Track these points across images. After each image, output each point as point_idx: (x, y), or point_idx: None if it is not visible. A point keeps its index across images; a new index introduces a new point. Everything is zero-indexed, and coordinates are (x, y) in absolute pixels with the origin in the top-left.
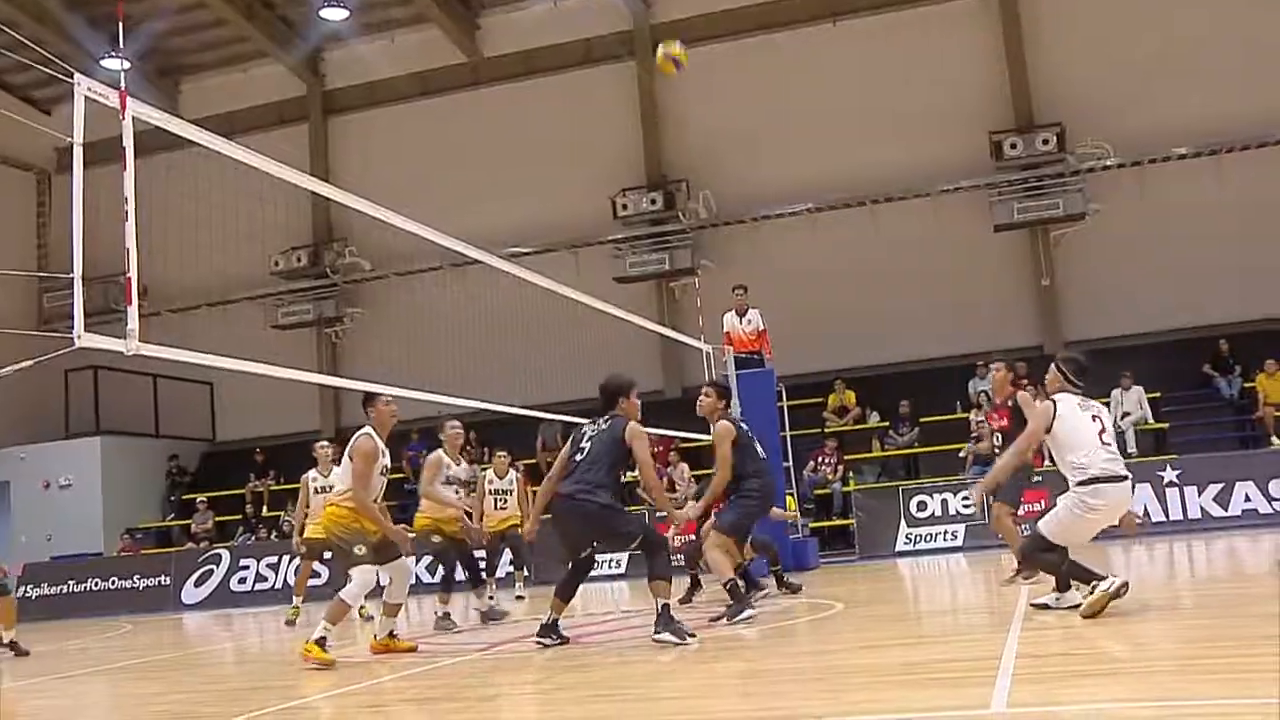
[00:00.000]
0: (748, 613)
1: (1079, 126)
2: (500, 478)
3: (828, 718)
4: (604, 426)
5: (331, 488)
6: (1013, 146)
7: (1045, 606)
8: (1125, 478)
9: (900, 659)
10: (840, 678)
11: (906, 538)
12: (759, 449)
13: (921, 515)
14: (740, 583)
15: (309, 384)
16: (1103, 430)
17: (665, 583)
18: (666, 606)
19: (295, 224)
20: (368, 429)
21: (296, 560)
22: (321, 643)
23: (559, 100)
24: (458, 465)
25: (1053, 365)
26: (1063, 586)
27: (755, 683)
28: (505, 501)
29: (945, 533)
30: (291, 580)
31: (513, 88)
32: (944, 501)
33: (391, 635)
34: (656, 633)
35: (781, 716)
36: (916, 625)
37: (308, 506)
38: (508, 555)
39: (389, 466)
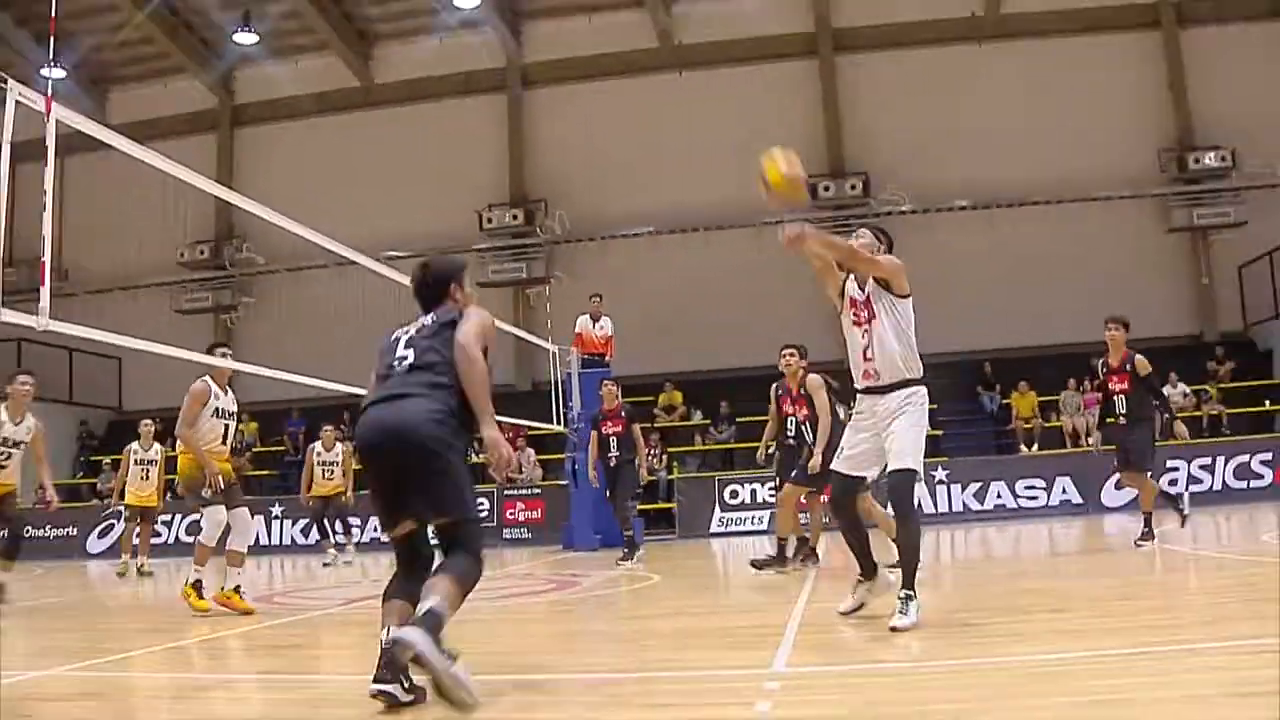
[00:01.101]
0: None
1: (881, 174)
2: (327, 450)
3: (631, 672)
4: (429, 323)
5: (153, 461)
6: (825, 189)
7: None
8: None
9: (702, 625)
10: (648, 639)
11: (720, 521)
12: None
13: (734, 502)
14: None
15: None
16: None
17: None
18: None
19: (201, 221)
20: (204, 376)
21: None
22: (197, 586)
23: (438, 124)
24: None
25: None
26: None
27: (575, 641)
28: (331, 472)
29: (754, 517)
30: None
31: (399, 111)
32: (754, 490)
33: (237, 590)
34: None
35: (594, 670)
36: (720, 596)
37: (127, 474)
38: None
39: (226, 410)
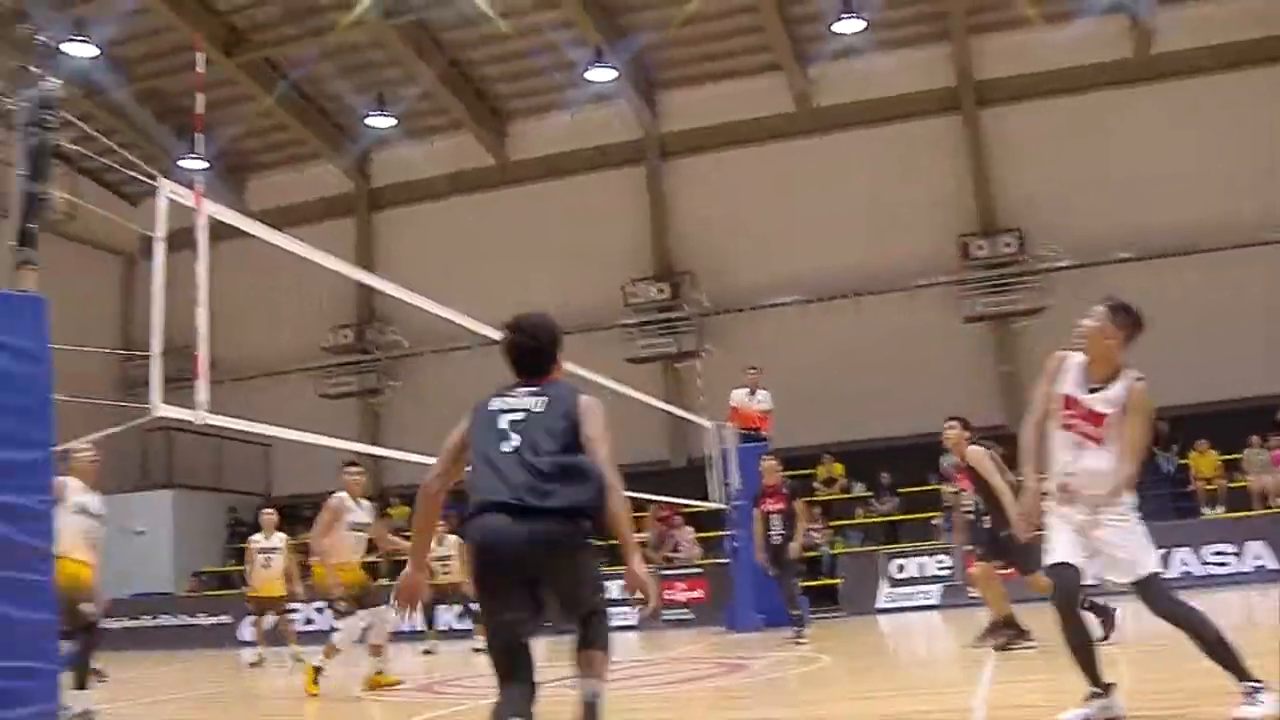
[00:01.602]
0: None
1: (1036, 230)
2: (438, 544)
3: None
4: (541, 398)
5: (274, 549)
6: (979, 248)
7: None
8: None
9: (883, 710)
10: None
11: (887, 596)
12: None
13: (900, 576)
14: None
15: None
16: None
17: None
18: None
19: (342, 305)
20: (340, 492)
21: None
22: (317, 670)
23: (576, 199)
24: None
25: None
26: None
27: None
28: (448, 567)
29: (923, 593)
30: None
31: (536, 188)
32: (921, 564)
33: (379, 673)
34: None
35: None
36: (896, 678)
37: (252, 566)
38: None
39: (360, 523)
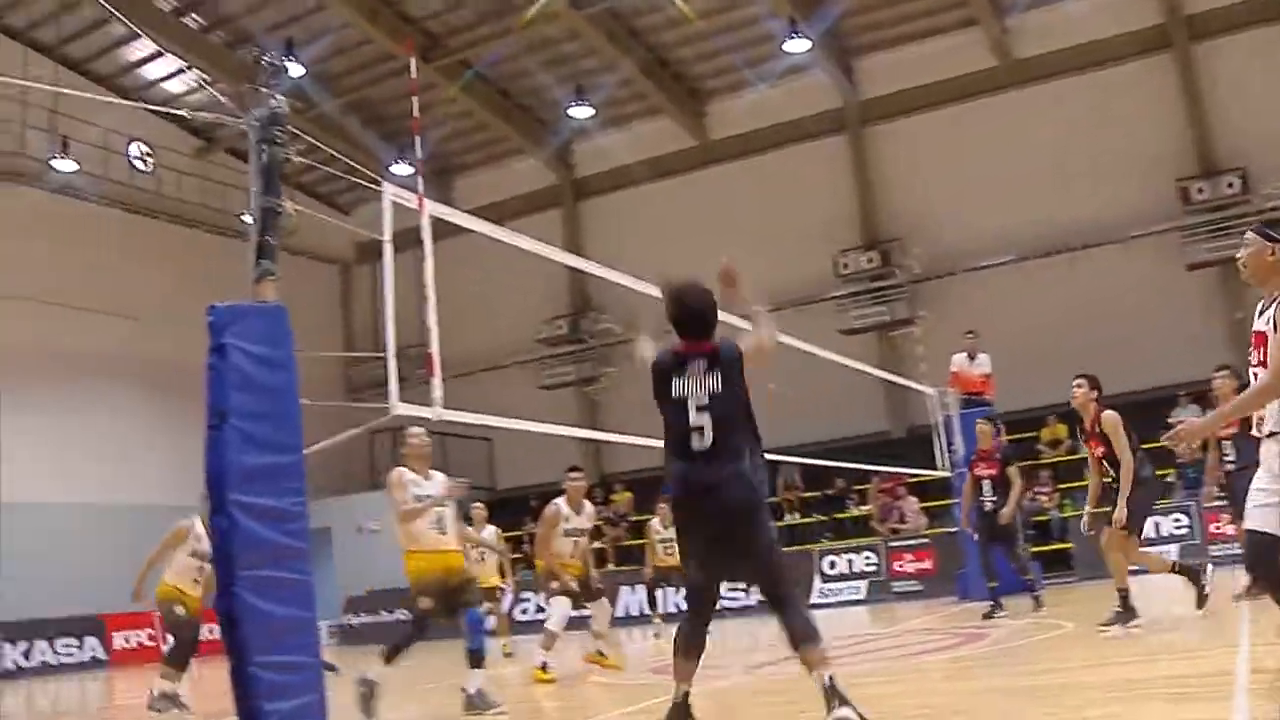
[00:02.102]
0: (1135, 621)
1: (1262, 169)
2: (665, 528)
3: None
4: (704, 362)
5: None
6: (1199, 191)
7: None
8: None
9: (1138, 675)
10: (1081, 693)
11: None
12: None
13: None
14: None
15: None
16: None
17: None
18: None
19: (555, 297)
20: (558, 499)
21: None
22: (544, 667)
23: (781, 173)
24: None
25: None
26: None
27: (1001, 699)
28: (670, 548)
29: (1165, 552)
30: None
31: (738, 165)
32: (1157, 523)
33: (600, 653)
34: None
35: None
36: (1142, 643)
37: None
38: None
39: (578, 529)
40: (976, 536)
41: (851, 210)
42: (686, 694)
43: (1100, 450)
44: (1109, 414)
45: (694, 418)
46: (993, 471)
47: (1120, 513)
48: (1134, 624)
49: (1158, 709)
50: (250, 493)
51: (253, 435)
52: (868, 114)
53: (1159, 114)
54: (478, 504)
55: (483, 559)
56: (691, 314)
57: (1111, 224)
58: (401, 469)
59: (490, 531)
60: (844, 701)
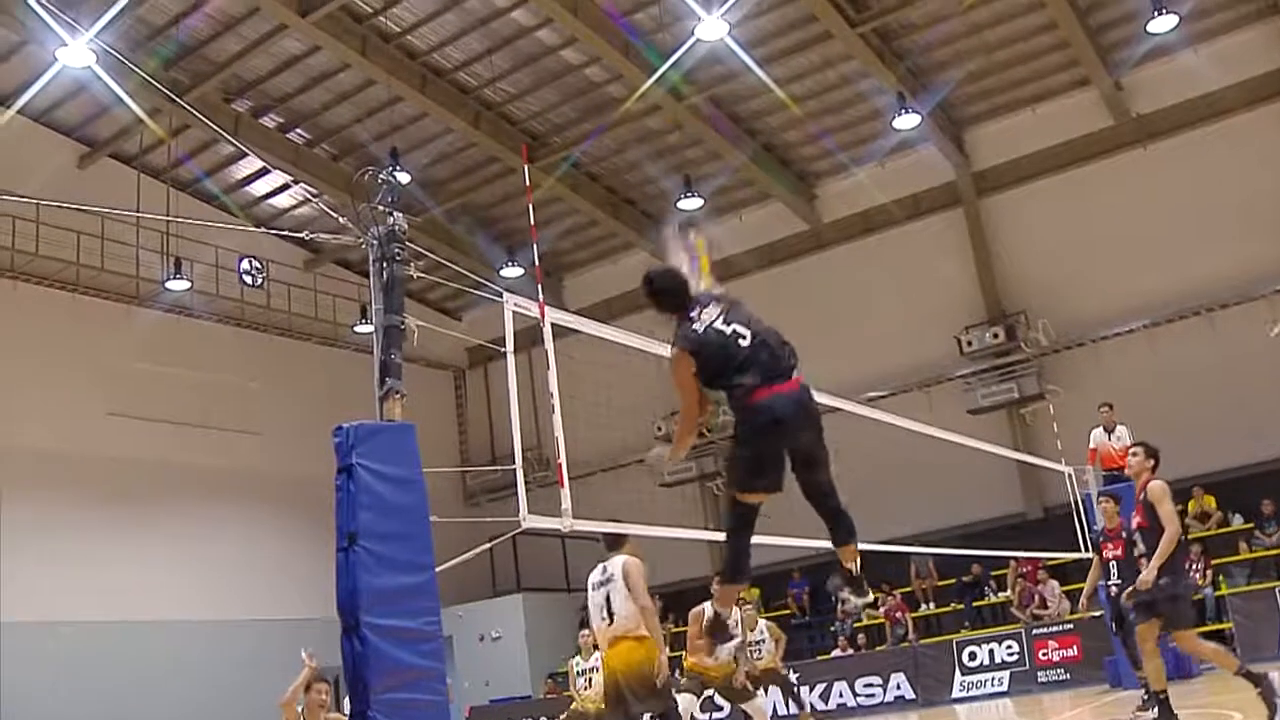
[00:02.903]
0: None
1: None
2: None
3: None
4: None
5: (593, 669)
6: None
7: None
8: None
9: None
10: None
11: None
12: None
13: None
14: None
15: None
16: None
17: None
18: None
19: (669, 392)
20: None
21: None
22: None
23: (896, 252)
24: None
25: None
26: None
27: None
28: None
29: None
30: None
31: (852, 247)
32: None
33: None
34: None
35: None
36: None
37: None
38: None
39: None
40: (1114, 625)
41: (972, 286)
42: None
43: (1136, 520)
44: (1155, 484)
45: (725, 328)
46: (1119, 553)
47: (1146, 577)
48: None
49: None
50: (383, 614)
51: (384, 556)
52: (983, 185)
53: None
54: (585, 632)
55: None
56: (668, 290)
57: (1249, 280)
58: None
59: (596, 659)
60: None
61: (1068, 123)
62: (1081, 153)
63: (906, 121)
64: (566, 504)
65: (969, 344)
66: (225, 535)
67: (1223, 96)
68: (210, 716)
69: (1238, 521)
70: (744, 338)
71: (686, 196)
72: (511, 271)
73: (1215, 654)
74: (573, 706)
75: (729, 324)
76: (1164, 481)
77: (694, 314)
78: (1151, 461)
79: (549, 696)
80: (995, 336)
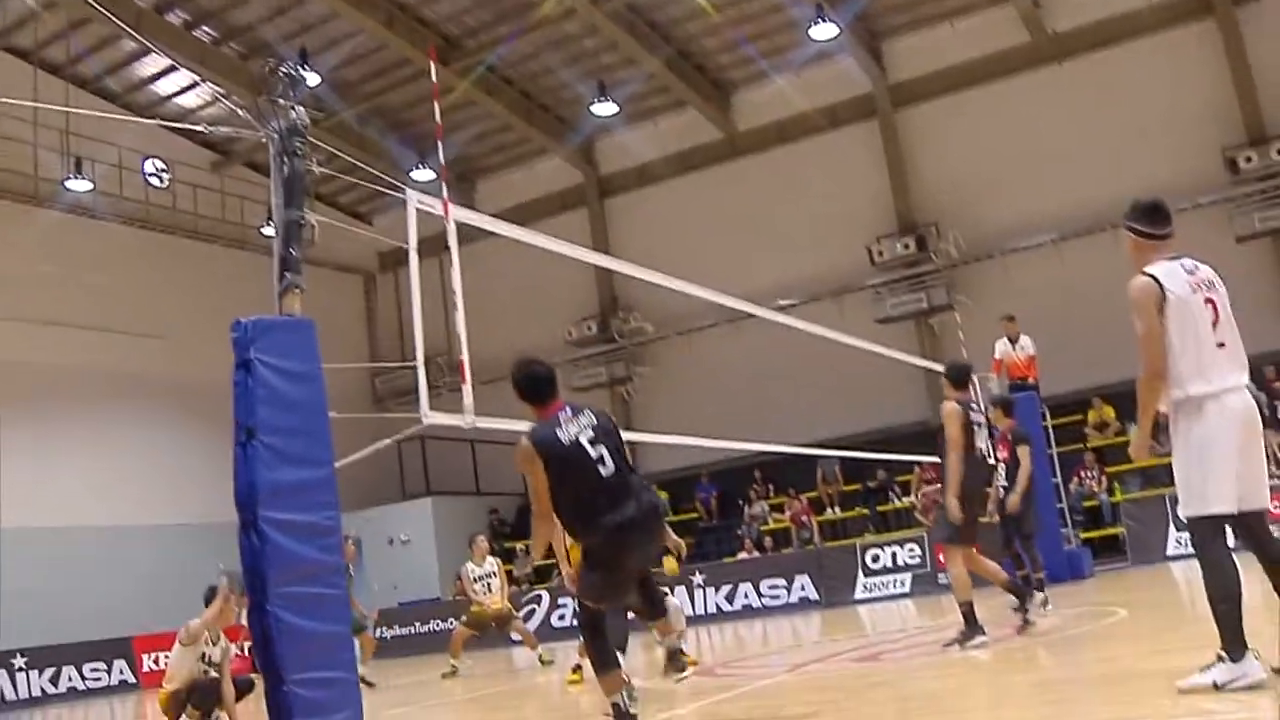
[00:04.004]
0: (979, 639)
1: None
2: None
3: None
4: (591, 419)
5: (491, 575)
6: (1248, 160)
7: None
8: None
9: (1195, 662)
10: (1140, 682)
11: (1177, 541)
12: (984, 445)
13: None
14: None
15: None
16: None
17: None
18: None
19: (583, 298)
20: None
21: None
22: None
23: (811, 162)
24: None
25: None
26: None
27: (1054, 690)
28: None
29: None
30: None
31: (767, 156)
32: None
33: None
34: None
35: None
36: (1202, 629)
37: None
38: None
39: None
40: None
41: (885, 197)
42: None
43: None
44: (946, 404)
45: (592, 451)
46: (1005, 455)
47: (952, 509)
48: (977, 641)
49: (1227, 696)
50: (282, 509)
51: (282, 451)
52: (898, 97)
53: (1201, 82)
54: (480, 536)
55: (489, 590)
56: (534, 379)
57: (1157, 196)
58: None
59: (491, 564)
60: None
61: (985, 38)
62: (997, 68)
63: (824, 31)
64: (469, 401)
65: (880, 254)
66: (127, 440)
67: (1139, 16)
68: (111, 621)
69: (1134, 431)
70: (604, 464)
71: (600, 101)
72: (423, 175)
73: (984, 572)
74: (472, 609)
75: (594, 445)
76: (957, 405)
77: (561, 416)
78: (958, 391)
79: (458, 599)
80: (906, 247)
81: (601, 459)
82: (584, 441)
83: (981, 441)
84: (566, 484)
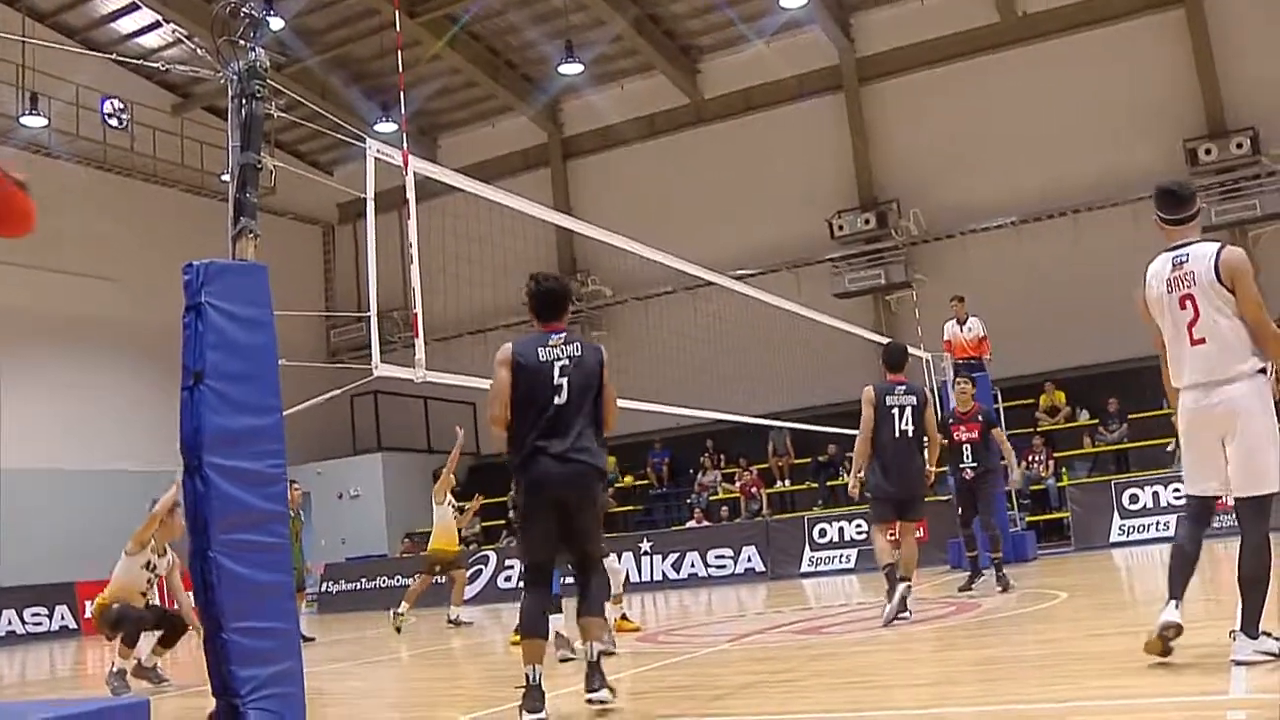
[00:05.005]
0: (888, 610)
1: (1273, 129)
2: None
3: (1069, 701)
4: (576, 351)
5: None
6: (1207, 152)
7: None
8: None
9: (1129, 646)
10: (1075, 664)
11: (1121, 529)
12: (898, 425)
13: (1134, 507)
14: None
15: None
16: None
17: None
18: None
19: (542, 259)
20: None
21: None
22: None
23: (775, 132)
24: None
25: None
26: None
27: (994, 669)
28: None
29: (1159, 523)
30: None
31: (732, 124)
32: (1156, 493)
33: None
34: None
35: (1028, 701)
36: (1140, 613)
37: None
38: None
39: None
40: (960, 508)
41: (847, 171)
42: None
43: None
44: (866, 387)
45: (557, 377)
46: (974, 435)
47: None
48: (901, 616)
49: (1157, 680)
50: (227, 455)
51: (229, 396)
52: (865, 71)
53: (1167, 72)
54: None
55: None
56: (551, 294)
57: (1116, 185)
58: None
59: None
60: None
61: (955, 16)
62: (966, 47)
63: (794, 0)
64: (420, 355)
65: (840, 228)
66: (74, 384)
67: (1106, 4)
68: (54, 567)
69: (1084, 417)
70: (560, 394)
71: (568, 61)
72: (386, 127)
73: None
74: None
75: (562, 373)
76: (872, 388)
77: (550, 338)
78: (889, 374)
79: (405, 555)
80: (867, 223)
81: (560, 388)
82: (555, 367)
83: (904, 423)
84: (521, 397)
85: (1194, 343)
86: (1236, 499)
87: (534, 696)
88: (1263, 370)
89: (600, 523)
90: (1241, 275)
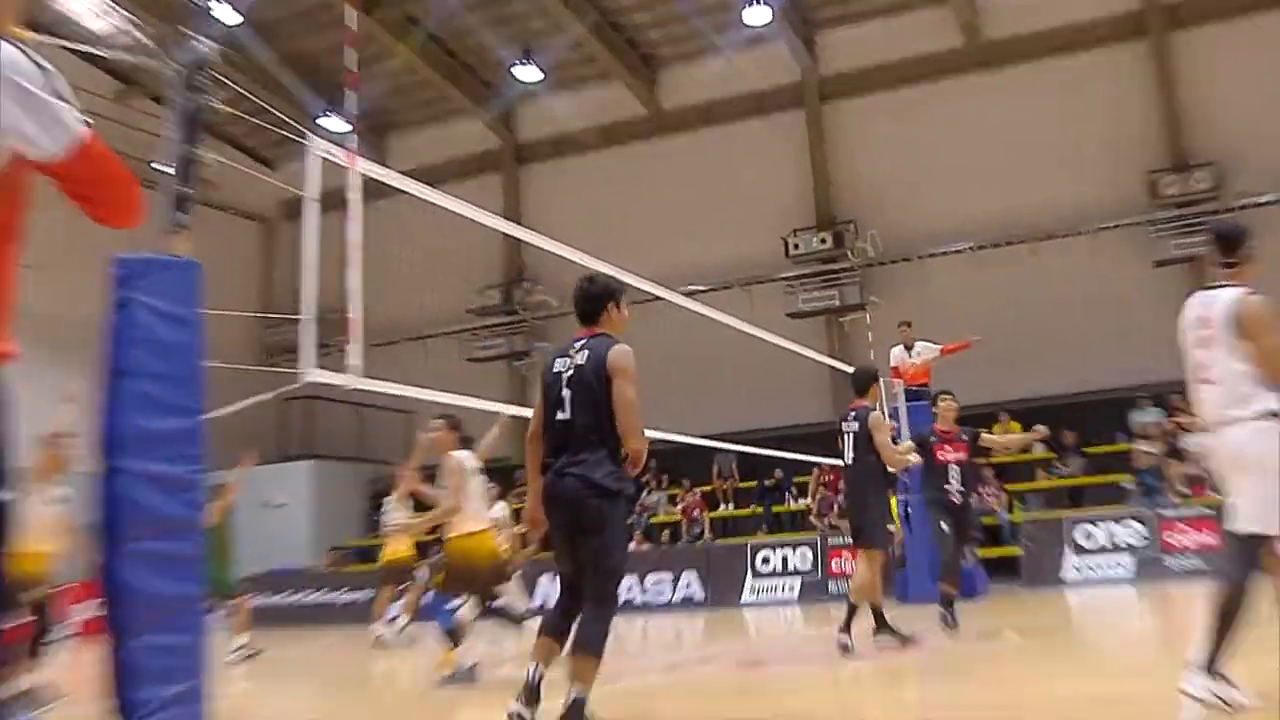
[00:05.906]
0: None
1: (1235, 165)
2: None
3: None
4: (582, 359)
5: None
6: (1170, 184)
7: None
8: None
9: (1088, 691)
10: (1030, 707)
11: (1074, 567)
12: (846, 452)
13: (1088, 545)
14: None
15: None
16: None
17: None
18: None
19: (489, 266)
20: None
21: None
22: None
23: (734, 147)
24: None
25: None
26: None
27: (932, 713)
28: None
29: (1114, 563)
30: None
31: (690, 137)
32: (1111, 532)
33: None
34: None
35: None
36: (1093, 654)
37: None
38: None
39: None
40: (945, 532)
41: (806, 189)
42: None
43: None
44: (874, 413)
45: (563, 391)
46: (961, 455)
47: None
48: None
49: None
50: (143, 457)
51: (151, 396)
52: (827, 90)
53: (1131, 104)
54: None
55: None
56: (593, 297)
57: (1076, 215)
58: None
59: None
60: None
61: (919, 38)
62: (929, 69)
63: (758, 15)
64: (355, 360)
65: (796, 247)
66: None
67: (1074, 31)
68: None
69: (1039, 450)
70: (562, 409)
71: (524, 64)
72: (334, 124)
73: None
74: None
75: (567, 386)
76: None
77: (573, 346)
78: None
79: (329, 570)
80: (823, 242)
81: (561, 403)
82: (563, 379)
83: (848, 451)
84: (546, 412)
85: (1204, 382)
86: (1228, 532)
87: (524, 693)
88: (1275, 414)
89: (609, 548)
90: (1257, 326)
